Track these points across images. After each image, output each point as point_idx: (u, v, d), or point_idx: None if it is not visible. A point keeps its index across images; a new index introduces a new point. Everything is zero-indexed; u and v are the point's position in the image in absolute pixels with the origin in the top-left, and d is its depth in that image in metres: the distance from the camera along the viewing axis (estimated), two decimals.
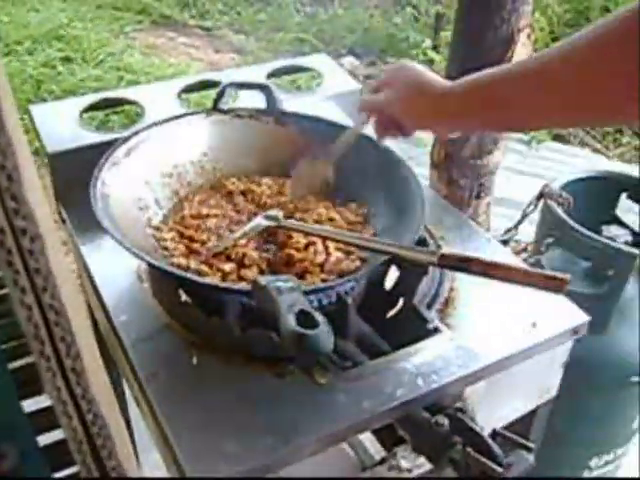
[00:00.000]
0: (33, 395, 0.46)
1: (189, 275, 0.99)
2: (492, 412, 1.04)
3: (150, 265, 1.01)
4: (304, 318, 0.79)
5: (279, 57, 4.31)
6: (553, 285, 0.86)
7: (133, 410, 1.11)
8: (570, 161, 3.48)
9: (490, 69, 0.88)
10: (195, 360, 0.95)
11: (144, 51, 4.45)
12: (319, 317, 0.79)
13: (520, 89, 0.84)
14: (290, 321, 0.77)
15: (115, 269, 1.10)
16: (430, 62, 4.31)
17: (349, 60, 4.51)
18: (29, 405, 0.48)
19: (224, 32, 4.94)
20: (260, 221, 1.08)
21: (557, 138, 3.75)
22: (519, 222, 1.71)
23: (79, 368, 0.43)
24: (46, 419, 0.47)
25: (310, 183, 1.16)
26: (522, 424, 1.13)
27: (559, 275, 0.86)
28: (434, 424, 0.90)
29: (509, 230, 1.70)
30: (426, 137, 2.04)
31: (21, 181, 0.34)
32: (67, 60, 4.09)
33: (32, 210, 0.35)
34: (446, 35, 4.21)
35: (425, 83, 0.99)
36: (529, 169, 3.36)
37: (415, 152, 2.91)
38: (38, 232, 0.36)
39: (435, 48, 4.45)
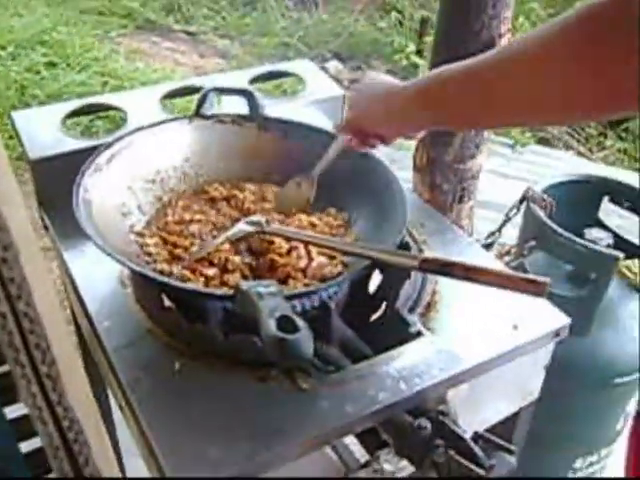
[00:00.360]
0: (10, 403, 0.46)
1: (171, 281, 0.99)
2: (474, 415, 1.05)
3: (132, 271, 1.01)
4: (285, 323, 0.79)
5: (264, 62, 4.32)
6: (533, 289, 0.87)
7: (118, 416, 1.11)
8: (554, 164, 3.50)
9: (446, 66, 0.90)
10: (178, 366, 0.95)
11: (129, 56, 4.44)
12: (300, 322, 0.79)
13: (471, 89, 0.85)
14: (271, 326, 0.78)
15: (98, 275, 1.10)
16: (414, 66, 4.32)
17: (334, 64, 4.52)
18: (7, 413, 0.48)
19: (209, 37, 4.94)
20: (243, 226, 1.09)
21: (541, 141, 3.77)
22: (502, 225, 1.71)
23: (54, 374, 0.43)
24: (24, 427, 0.47)
25: (293, 203, 1.18)
26: (505, 426, 1.14)
27: (539, 279, 0.87)
28: (416, 427, 0.90)
29: (492, 234, 1.71)
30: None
31: None
32: (51, 65, 4.06)
33: (5, 219, 0.36)
34: (430, 40, 4.22)
35: (384, 88, 1.01)
36: (513, 172, 3.38)
37: (398, 155, 2.92)
38: (12, 241, 0.36)
39: (419, 52, 4.47)
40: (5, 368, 0.43)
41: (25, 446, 0.51)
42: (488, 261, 1.21)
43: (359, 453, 1.03)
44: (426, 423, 0.90)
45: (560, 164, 3.51)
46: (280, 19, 5.11)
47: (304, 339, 0.77)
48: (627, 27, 0.66)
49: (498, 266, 1.18)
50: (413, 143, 1.85)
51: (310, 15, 5.14)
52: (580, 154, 3.74)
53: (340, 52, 4.71)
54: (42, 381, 0.43)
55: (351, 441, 1.00)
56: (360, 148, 1.11)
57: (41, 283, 0.41)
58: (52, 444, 0.46)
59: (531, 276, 0.89)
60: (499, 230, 1.70)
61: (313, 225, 1.14)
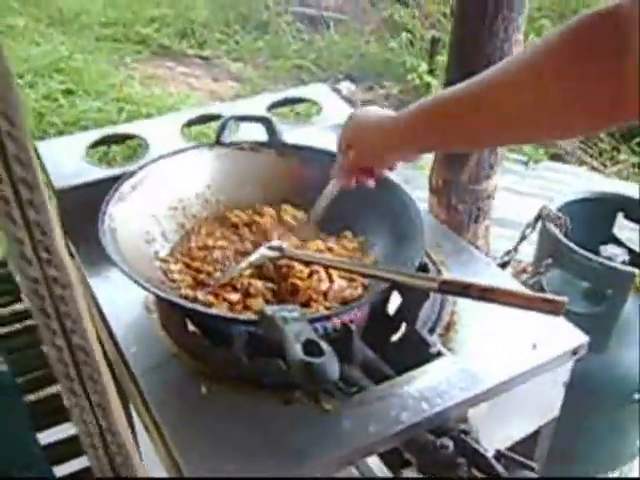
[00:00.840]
0: (59, 423, 0.48)
1: (196, 306, 1.01)
2: (495, 433, 1.06)
3: (158, 297, 1.03)
4: (310, 346, 0.81)
5: (278, 84, 4.37)
6: (551, 308, 0.88)
7: (140, 432, 1.12)
8: (568, 180, 3.51)
9: (436, 94, 0.94)
10: (204, 389, 0.97)
11: (144, 82, 4.50)
12: (325, 346, 0.81)
13: (461, 114, 0.89)
14: (297, 350, 0.80)
15: (123, 301, 1.12)
16: (427, 86, 4.36)
17: (346, 85, 4.56)
18: (56, 432, 0.51)
19: (222, 61, 5.00)
20: (264, 251, 1.11)
21: (554, 157, 3.79)
22: (518, 244, 1.73)
23: (105, 404, 0.45)
24: (72, 447, 0.50)
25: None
26: (526, 444, 1.15)
27: (556, 298, 0.88)
28: (439, 446, 0.91)
29: (508, 252, 1.72)
30: (423, 160, 2.08)
31: (53, 234, 0.37)
32: (68, 92, 4.13)
33: (63, 260, 0.38)
34: (442, 59, 4.26)
35: (376, 120, 1.03)
36: (527, 189, 3.40)
37: (411, 174, 2.93)
38: (69, 280, 0.39)
39: (431, 72, 4.51)
40: (55, 389, 0.46)
41: (67, 468, 0.53)
42: (505, 281, 1.22)
43: (382, 472, 1.04)
44: (448, 442, 0.92)
45: (574, 180, 3.52)
46: (292, 42, 5.17)
47: (330, 362, 0.79)
48: (605, 50, 0.69)
49: (515, 286, 1.20)
50: (427, 162, 1.88)
51: (322, 37, 5.19)
52: (593, 169, 3.74)
53: (352, 73, 4.76)
54: (93, 409, 0.45)
55: (373, 460, 1.02)
56: (364, 182, 1.12)
57: (85, 313, 0.44)
58: (101, 467, 0.48)
59: (548, 295, 0.90)
60: (515, 249, 1.72)
61: (330, 249, 1.16)
